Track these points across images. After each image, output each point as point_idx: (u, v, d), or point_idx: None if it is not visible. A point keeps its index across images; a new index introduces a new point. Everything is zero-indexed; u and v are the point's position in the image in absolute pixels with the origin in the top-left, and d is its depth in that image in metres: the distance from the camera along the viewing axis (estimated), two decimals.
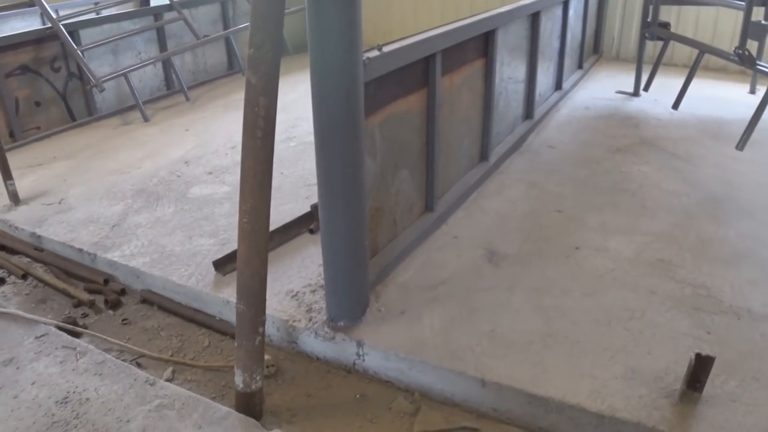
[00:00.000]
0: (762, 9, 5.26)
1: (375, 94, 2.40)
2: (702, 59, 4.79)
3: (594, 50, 7.41)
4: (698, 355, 2.11)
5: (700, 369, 2.13)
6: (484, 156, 3.83)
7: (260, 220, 2.07)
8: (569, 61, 5.88)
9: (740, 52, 4.23)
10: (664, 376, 2.29)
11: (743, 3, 4.25)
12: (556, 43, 5.25)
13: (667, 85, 5.91)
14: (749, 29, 5.01)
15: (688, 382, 2.16)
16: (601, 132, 4.88)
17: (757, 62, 4.23)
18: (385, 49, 2.36)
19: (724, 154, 4.39)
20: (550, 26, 4.91)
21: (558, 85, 5.58)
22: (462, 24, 3.07)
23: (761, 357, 2.40)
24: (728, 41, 6.49)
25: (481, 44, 3.46)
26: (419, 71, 2.79)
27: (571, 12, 5.49)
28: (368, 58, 2.19)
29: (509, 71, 4.06)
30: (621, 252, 3.14)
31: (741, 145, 4.05)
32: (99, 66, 5.57)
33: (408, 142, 2.85)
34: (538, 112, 4.84)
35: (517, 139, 4.36)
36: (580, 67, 6.54)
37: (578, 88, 6.12)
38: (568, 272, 2.95)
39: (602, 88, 6.15)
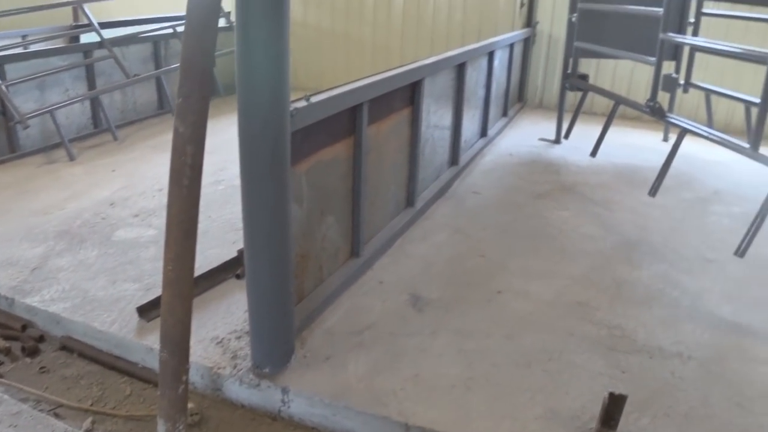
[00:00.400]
0: (673, 63, 5.61)
1: (302, 142, 2.46)
2: (618, 109, 5.05)
3: (519, 98, 7.70)
4: (611, 394, 2.20)
5: (613, 407, 2.22)
6: (410, 202, 3.92)
7: (185, 268, 2.08)
8: (494, 109, 6.09)
9: (651, 104, 4.48)
10: (581, 415, 2.38)
11: (654, 59, 4.51)
12: (481, 92, 5.45)
13: (586, 132, 6.17)
14: (661, 82, 5.31)
15: (602, 420, 2.25)
16: (524, 178, 5.06)
17: (667, 114, 4.48)
18: (313, 99, 2.42)
19: (638, 199, 4.62)
20: (475, 76, 5.10)
21: (483, 132, 5.77)
22: (389, 75, 3.17)
23: (672, 394, 2.53)
24: (643, 92, 6.84)
25: (408, 93, 3.57)
26: (347, 120, 2.86)
27: (496, 62, 5.71)
28: (296, 109, 2.24)
29: (436, 119, 4.18)
30: (541, 295, 3.25)
31: (653, 191, 4.27)
32: (24, 102, 5.44)
33: (335, 188, 2.91)
34: (463, 158, 4.99)
35: (443, 185, 4.47)
36: (504, 114, 6.78)
37: (503, 135, 6.33)
38: (490, 316, 3.04)
39: (526, 135, 6.38)
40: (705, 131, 3.99)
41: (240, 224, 2.21)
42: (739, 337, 3.01)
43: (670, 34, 4.41)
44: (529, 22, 7.64)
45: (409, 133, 3.70)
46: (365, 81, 2.93)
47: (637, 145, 6.20)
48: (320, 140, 2.65)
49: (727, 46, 4.12)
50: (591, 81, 6.88)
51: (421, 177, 4.00)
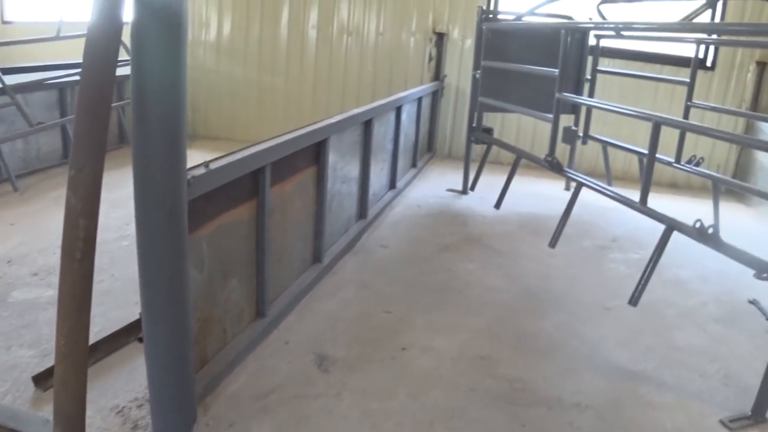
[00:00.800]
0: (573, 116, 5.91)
1: (202, 207, 2.45)
2: (522, 160, 5.24)
3: (428, 148, 7.89)
4: None
5: None
6: (317, 258, 3.94)
7: (79, 342, 2.02)
8: (403, 161, 6.22)
9: (550, 159, 4.69)
10: None
11: (551, 116, 4.73)
12: (389, 146, 5.56)
13: (493, 182, 6.36)
14: (562, 134, 5.57)
15: None
16: (431, 230, 5.17)
17: (565, 169, 4.69)
18: (213, 165, 2.43)
19: (541, 249, 4.77)
20: (383, 131, 5.21)
21: (392, 184, 5.87)
22: (293, 136, 3.21)
23: None
24: (546, 144, 7.13)
25: (313, 152, 3.62)
26: (249, 183, 2.87)
27: (404, 116, 5.85)
28: (193, 177, 2.25)
29: (343, 174, 4.25)
30: (445, 351, 3.31)
31: (553, 242, 4.44)
32: None
33: (238, 250, 2.91)
34: (371, 211, 5.05)
35: (351, 239, 4.51)
36: (414, 165, 6.93)
37: (412, 186, 6.46)
38: (394, 374, 3.07)
39: (434, 186, 6.54)
40: (598, 186, 4.21)
41: None
42: (634, 384, 3.16)
43: (565, 94, 4.64)
44: (438, 75, 7.89)
45: (314, 192, 3.75)
46: (268, 143, 2.96)
47: (540, 194, 6.45)
48: (222, 204, 2.65)
49: (614, 106, 4.37)
50: (497, 133, 7.14)
51: (328, 233, 4.04)
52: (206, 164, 2.41)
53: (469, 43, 7.70)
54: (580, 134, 6.38)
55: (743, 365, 3.36)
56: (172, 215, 2.10)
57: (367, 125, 4.65)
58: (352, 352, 3.23)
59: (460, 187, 6.42)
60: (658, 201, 3.80)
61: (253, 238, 3.02)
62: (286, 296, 3.49)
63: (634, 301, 3.57)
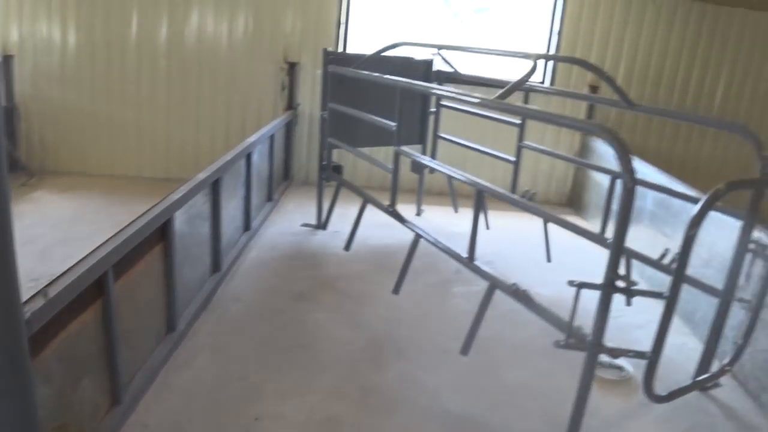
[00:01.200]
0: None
1: (44, 332, 2.53)
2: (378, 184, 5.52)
3: (284, 176, 8.07)
4: None
5: None
6: (171, 327, 4.04)
7: None
8: (257, 199, 6.38)
9: (391, 210, 5.02)
10: None
11: (391, 167, 5.04)
12: (241, 191, 5.70)
13: (348, 212, 6.64)
14: (411, 165, 5.92)
15: None
16: (285, 276, 5.36)
17: (405, 222, 4.99)
18: (52, 292, 2.51)
19: (389, 289, 5.05)
20: (233, 182, 5.35)
21: (247, 226, 6.02)
22: (135, 229, 3.29)
23: None
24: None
25: (158, 233, 3.71)
26: (92, 289, 2.95)
27: (255, 157, 6.00)
28: (32, 314, 2.33)
29: (191, 239, 4.35)
30: (295, 416, 3.54)
31: (396, 289, 4.75)
32: None
33: (87, 352, 2.99)
34: (225, 261, 5.18)
35: (206, 297, 4.63)
36: (269, 199, 7.09)
37: (268, 223, 6.62)
38: None
39: (290, 222, 6.73)
40: (433, 240, 4.56)
41: None
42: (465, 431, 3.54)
43: (403, 148, 4.97)
44: (291, 104, 8.07)
45: (163, 267, 3.85)
46: (109, 247, 3.04)
47: (392, 223, 6.76)
48: (65, 319, 2.73)
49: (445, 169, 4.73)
50: (351, 168, 7.43)
51: (180, 298, 4.14)
52: (44, 293, 2.48)
53: (320, 72, 7.94)
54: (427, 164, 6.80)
55: (561, 398, 3.78)
56: (11, 358, 2.19)
57: (216, 185, 4.78)
58: (208, 430, 3.39)
59: (314, 221, 6.65)
60: (502, 220, 4.19)
61: (102, 334, 3.11)
62: (141, 376, 3.58)
63: (463, 350, 3.95)
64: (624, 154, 2.74)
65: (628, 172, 2.72)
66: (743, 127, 3.74)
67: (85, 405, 3.01)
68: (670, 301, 2.84)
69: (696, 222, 2.77)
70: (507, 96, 3.73)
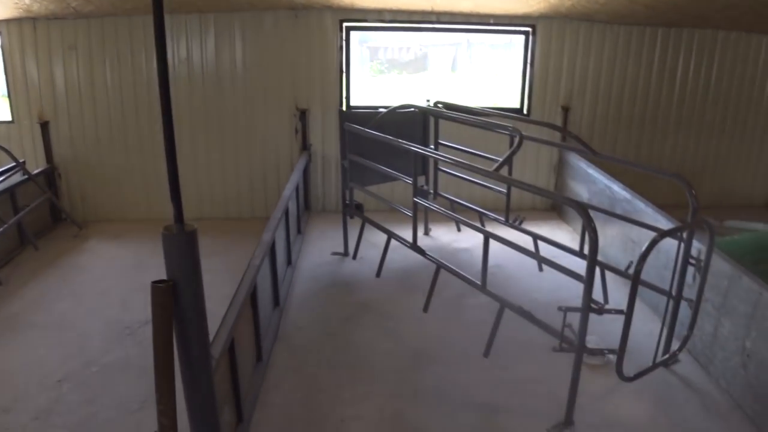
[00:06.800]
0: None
1: None
2: (394, 235, 6.77)
3: (305, 207, 9.30)
4: None
5: None
6: (259, 357, 5.25)
7: None
8: (293, 236, 7.59)
9: (413, 245, 6.26)
10: None
11: (410, 212, 6.27)
12: (283, 233, 6.89)
13: (369, 240, 7.88)
14: (416, 192, 7.16)
15: None
16: (330, 302, 6.54)
17: (426, 254, 6.23)
18: (215, 353, 3.73)
19: (416, 307, 6.21)
20: (279, 230, 6.54)
21: (289, 260, 7.24)
22: (242, 299, 4.52)
23: None
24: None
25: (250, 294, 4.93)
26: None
27: (290, 204, 7.20)
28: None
29: (261, 284, 5.53)
30: (370, 415, 4.69)
31: (426, 308, 5.99)
32: None
33: (225, 387, 4.20)
34: (282, 296, 6.39)
35: (275, 329, 5.85)
36: (299, 231, 8.32)
37: (302, 255, 7.82)
38: None
39: (320, 251, 7.94)
40: (452, 269, 5.78)
41: None
42: (493, 414, 4.77)
43: (416, 199, 6.21)
44: (305, 144, 9.30)
45: (251, 313, 5.05)
46: (232, 316, 4.26)
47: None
48: (216, 365, 3.95)
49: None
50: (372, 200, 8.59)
51: (262, 333, 5.35)
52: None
53: (328, 115, 9.18)
54: (431, 191, 8.10)
55: (560, 383, 4.94)
56: (205, 396, 3.41)
57: (272, 249, 5.94)
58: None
59: (341, 249, 7.88)
60: (498, 233, 5.38)
61: (230, 373, 4.32)
62: (250, 398, 4.79)
63: (485, 353, 5.21)
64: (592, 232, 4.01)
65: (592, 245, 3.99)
66: (678, 175, 5.04)
67: (225, 426, 4.21)
68: (628, 317, 4.12)
69: (641, 261, 4.05)
70: (501, 168, 4.96)
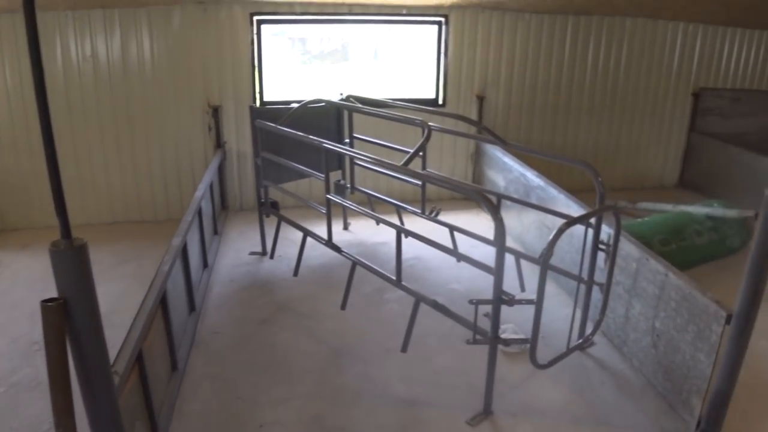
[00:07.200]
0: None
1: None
2: (310, 232, 6.67)
3: (222, 206, 9.10)
4: None
5: None
6: (174, 367, 5.10)
7: None
8: (208, 237, 7.40)
9: (328, 243, 6.17)
10: None
11: (324, 209, 6.19)
12: (197, 236, 6.71)
13: (287, 238, 7.77)
14: (333, 187, 7.09)
15: None
16: (248, 304, 6.40)
17: (342, 251, 6.18)
18: (118, 368, 3.58)
19: (335, 303, 6.12)
20: (192, 232, 6.36)
21: (205, 263, 7.06)
22: (150, 306, 4.36)
23: None
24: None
25: (159, 300, 4.76)
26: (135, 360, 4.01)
27: (203, 204, 7.01)
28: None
29: (174, 290, 5.36)
30: (289, 419, 4.64)
31: (343, 305, 5.92)
32: None
33: (136, 401, 4.05)
34: (197, 301, 6.21)
35: (191, 335, 5.70)
36: (216, 232, 8.13)
37: (219, 257, 7.65)
38: None
39: (238, 252, 7.78)
40: (367, 265, 5.72)
41: None
42: (412, 409, 4.78)
43: (329, 195, 6.13)
44: (219, 142, 9.08)
45: (164, 323, 4.89)
46: (138, 326, 4.10)
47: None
48: (123, 380, 3.79)
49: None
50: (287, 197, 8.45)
51: (176, 341, 5.19)
52: (115, 372, 3.55)
53: (242, 111, 8.98)
54: (348, 186, 8.03)
55: (478, 374, 4.98)
56: (108, 412, 3.27)
57: (184, 252, 5.77)
58: None
59: (259, 248, 7.74)
60: (416, 225, 5.41)
61: (142, 387, 4.17)
62: (166, 409, 4.64)
63: (403, 348, 5.17)
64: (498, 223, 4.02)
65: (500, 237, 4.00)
66: (584, 162, 5.12)
67: None
68: (538, 306, 4.16)
69: (549, 249, 4.09)
70: (409, 162, 4.94)
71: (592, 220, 5.05)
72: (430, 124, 5.68)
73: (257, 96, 9.12)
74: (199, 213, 6.80)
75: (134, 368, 4.01)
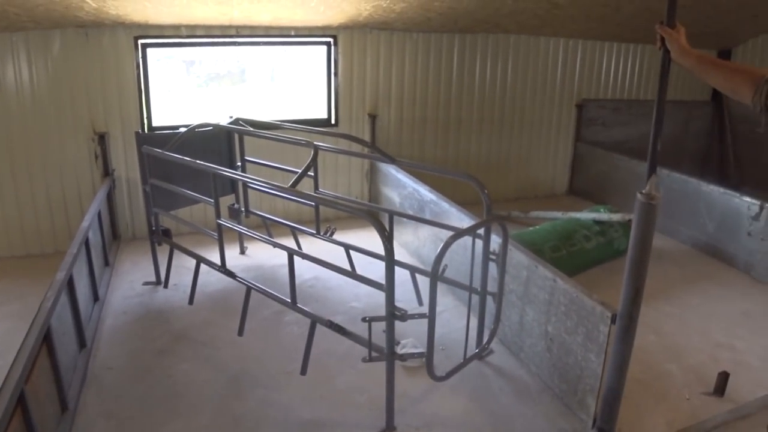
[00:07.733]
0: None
1: None
2: (203, 259, 6.54)
3: (113, 236, 8.80)
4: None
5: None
6: (64, 407, 4.85)
7: None
8: (98, 270, 7.13)
9: (222, 269, 6.07)
10: None
11: (215, 234, 6.09)
12: (85, 269, 6.47)
13: (182, 265, 7.59)
14: (228, 212, 7.02)
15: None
16: (142, 336, 6.17)
17: (236, 277, 6.08)
18: None
19: (233, 329, 6.01)
20: (79, 265, 6.11)
21: (96, 296, 6.80)
22: (32, 343, 4.16)
23: None
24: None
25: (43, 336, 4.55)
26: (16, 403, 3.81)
27: (90, 234, 6.76)
28: None
29: (60, 327, 5.14)
30: None
31: (240, 331, 5.82)
32: None
33: None
34: (88, 336, 5.95)
35: (82, 373, 5.45)
36: (107, 263, 7.85)
37: (111, 288, 7.36)
38: None
39: (131, 283, 7.50)
40: (261, 290, 5.66)
41: None
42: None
43: (219, 221, 6.04)
44: (107, 170, 8.77)
45: (49, 361, 4.67)
46: (20, 365, 3.91)
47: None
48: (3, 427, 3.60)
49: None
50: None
51: (65, 381, 4.95)
52: None
53: (129, 137, 8.70)
54: (243, 209, 7.95)
55: (380, 391, 4.96)
56: None
57: (71, 278, 5.56)
58: None
59: (153, 278, 7.52)
60: (313, 246, 5.41)
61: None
62: None
63: (302, 370, 5.14)
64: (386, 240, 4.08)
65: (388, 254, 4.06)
66: (470, 176, 5.28)
67: None
68: (431, 319, 4.25)
69: (437, 262, 4.19)
70: (297, 183, 4.95)
71: (481, 232, 5.20)
72: (317, 144, 5.71)
73: (145, 121, 8.89)
74: (87, 244, 6.55)
75: (16, 412, 3.80)
